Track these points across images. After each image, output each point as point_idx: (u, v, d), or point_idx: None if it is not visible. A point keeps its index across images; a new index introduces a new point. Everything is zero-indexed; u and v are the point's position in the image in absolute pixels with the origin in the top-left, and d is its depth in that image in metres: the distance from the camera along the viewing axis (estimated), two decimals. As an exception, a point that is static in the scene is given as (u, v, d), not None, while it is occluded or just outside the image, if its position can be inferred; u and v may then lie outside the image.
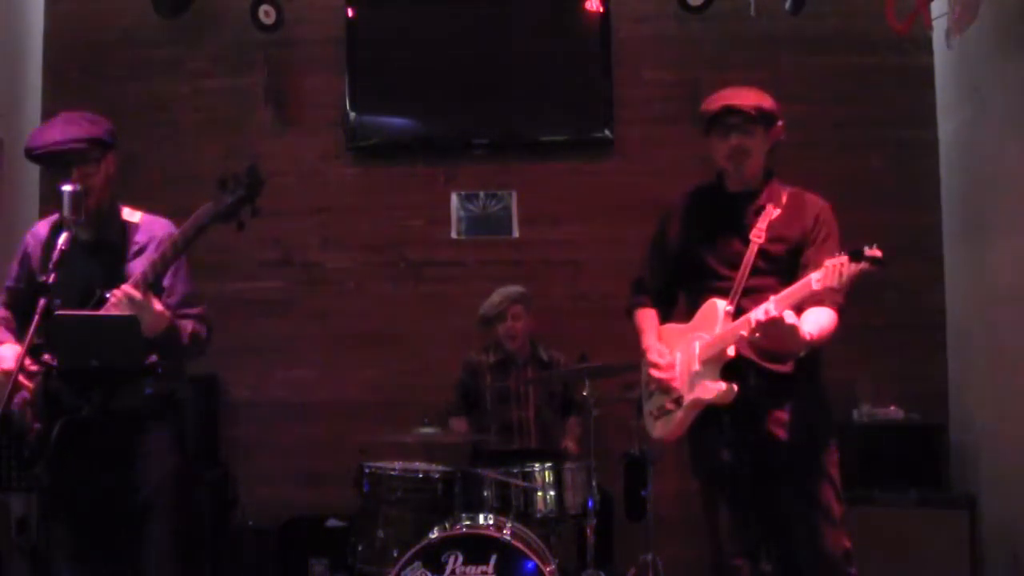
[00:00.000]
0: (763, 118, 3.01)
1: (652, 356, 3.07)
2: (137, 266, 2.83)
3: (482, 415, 4.54)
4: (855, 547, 2.94)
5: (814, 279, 2.66)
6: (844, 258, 2.58)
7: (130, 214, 2.99)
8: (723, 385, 2.88)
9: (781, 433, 2.93)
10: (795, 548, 2.92)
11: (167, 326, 2.77)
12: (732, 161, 3.01)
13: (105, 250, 2.90)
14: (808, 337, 2.72)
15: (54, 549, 2.79)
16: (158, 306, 2.74)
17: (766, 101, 3.03)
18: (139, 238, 2.93)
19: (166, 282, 2.91)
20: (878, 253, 2.54)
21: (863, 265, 2.54)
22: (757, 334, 2.72)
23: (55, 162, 2.81)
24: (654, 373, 3.04)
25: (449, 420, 4.48)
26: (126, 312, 2.67)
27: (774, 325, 2.68)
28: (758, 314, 2.71)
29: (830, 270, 2.61)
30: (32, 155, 2.84)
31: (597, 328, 4.63)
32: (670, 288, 3.20)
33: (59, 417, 2.73)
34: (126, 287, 2.69)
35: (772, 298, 2.73)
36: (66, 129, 2.82)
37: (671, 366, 3.02)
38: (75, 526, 2.83)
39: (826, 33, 5.07)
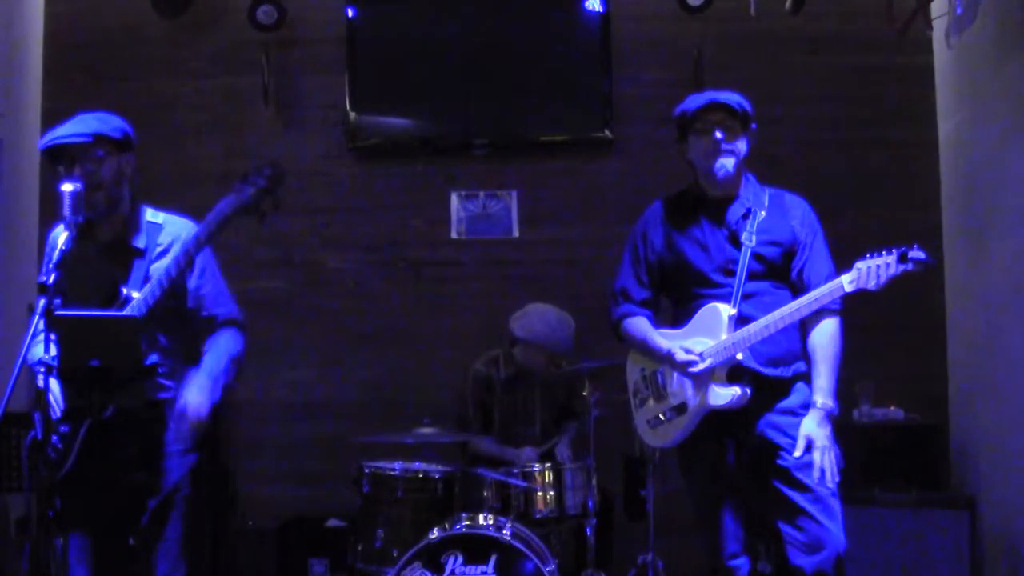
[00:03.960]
0: (744, 117, 2.99)
1: (680, 357, 2.93)
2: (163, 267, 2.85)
3: (487, 429, 4.46)
4: (856, 547, 2.94)
5: (846, 282, 2.70)
6: (891, 258, 2.61)
7: (153, 215, 2.99)
8: (737, 389, 2.87)
9: (776, 435, 2.94)
10: (796, 544, 2.90)
11: (218, 399, 2.83)
12: (713, 157, 2.94)
13: (128, 251, 2.91)
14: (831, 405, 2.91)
15: (65, 548, 2.79)
16: (200, 398, 2.78)
17: (746, 101, 3.01)
18: (162, 239, 2.93)
19: (192, 284, 2.91)
20: (922, 255, 2.60)
21: (908, 267, 2.59)
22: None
23: (60, 156, 2.83)
24: (692, 371, 2.91)
25: (473, 441, 4.34)
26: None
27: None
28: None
29: (864, 272, 2.64)
30: (41, 150, 2.87)
31: (597, 328, 4.61)
32: (655, 297, 3.15)
33: (70, 417, 2.73)
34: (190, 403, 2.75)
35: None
36: (73, 126, 2.85)
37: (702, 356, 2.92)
38: (90, 525, 2.83)
39: (826, 33, 5.07)
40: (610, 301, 3.19)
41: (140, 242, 2.92)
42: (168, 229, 2.95)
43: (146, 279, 2.82)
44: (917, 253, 2.58)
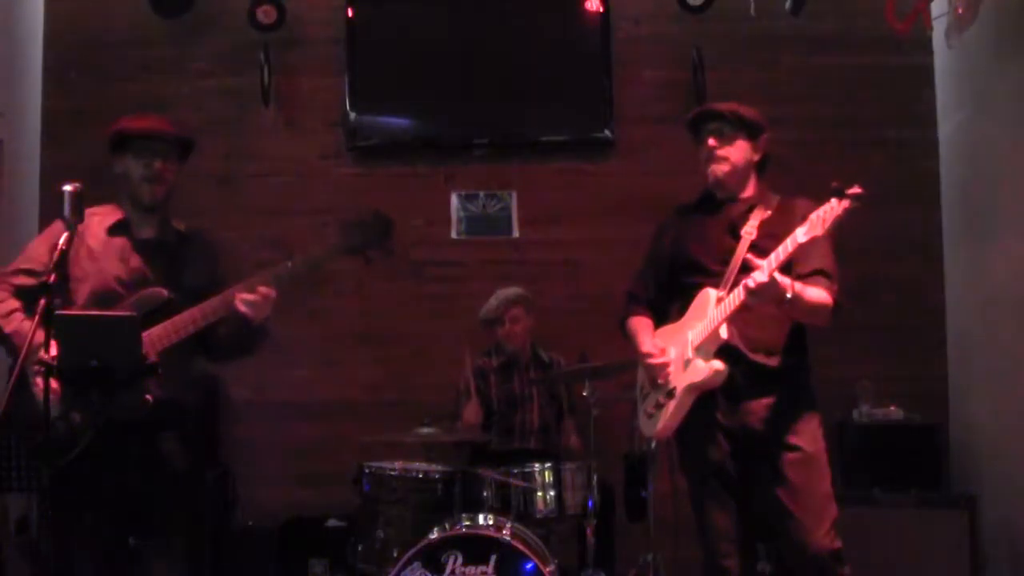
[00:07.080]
0: (743, 125, 3.07)
1: (645, 348, 3.09)
2: (190, 276, 3.00)
3: (488, 417, 4.53)
4: (856, 547, 2.94)
5: (800, 233, 2.71)
6: (832, 202, 2.64)
7: (177, 223, 3.12)
8: (717, 363, 2.91)
9: (761, 427, 2.94)
10: (783, 546, 2.92)
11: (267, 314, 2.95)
12: (708, 163, 3.08)
13: (164, 253, 3.02)
14: (792, 289, 2.75)
15: (59, 550, 2.79)
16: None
17: (747, 110, 3.10)
18: (193, 252, 3.06)
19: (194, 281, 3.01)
20: (859, 190, 2.64)
21: (846, 203, 2.62)
22: (752, 300, 2.77)
23: (141, 146, 2.96)
24: (650, 361, 3.05)
25: (463, 409, 4.44)
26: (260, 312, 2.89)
27: (765, 289, 2.73)
28: (748, 282, 2.74)
29: (815, 221, 2.68)
30: (128, 133, 2.98)
31: (597, 328, 4.60)
32: (662, 298, 3.22)
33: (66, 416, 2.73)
34: (264, 290, 2.92)
35: (761, 263, 2.76)
36: (163, 122, 3.04)
37: (664, 352, 3.05)
38: (82, 528, 2.83)
39: (826, 33, 5.07)
40: (623, 302, 3.31)
41: (174, 247, 3.05)
42: (195, 242, 3.10)
43: (179, 284, 2.92)
44: (853, 189, 2.64)
